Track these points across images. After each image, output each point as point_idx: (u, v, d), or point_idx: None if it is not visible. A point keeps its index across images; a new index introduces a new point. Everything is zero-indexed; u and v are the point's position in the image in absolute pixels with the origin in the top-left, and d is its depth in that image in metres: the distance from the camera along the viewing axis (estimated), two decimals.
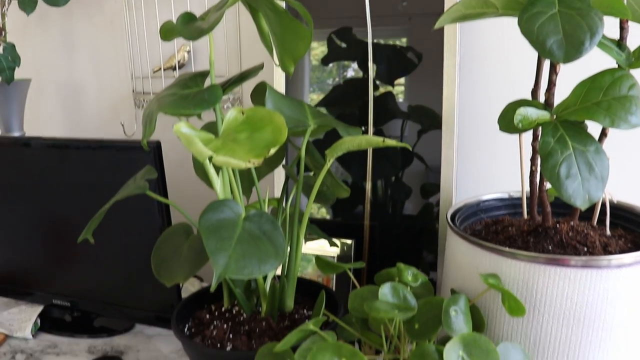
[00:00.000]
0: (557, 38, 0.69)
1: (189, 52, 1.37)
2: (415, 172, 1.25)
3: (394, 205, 1.27)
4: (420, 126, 1.25)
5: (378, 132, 1.27)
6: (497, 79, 1.20)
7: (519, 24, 0.72)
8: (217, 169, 0.90)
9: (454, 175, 1.15)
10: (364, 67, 1.24)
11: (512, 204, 1.03)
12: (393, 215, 1.26)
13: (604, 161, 0.76)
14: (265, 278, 0.90)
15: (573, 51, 0.68)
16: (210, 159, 0.71)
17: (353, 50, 1.25)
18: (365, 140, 0.83)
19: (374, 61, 1.25)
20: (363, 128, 1.26)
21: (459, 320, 0.74)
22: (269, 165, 1.03)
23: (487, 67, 1.22)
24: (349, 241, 1.16)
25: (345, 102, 1.29)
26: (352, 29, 1.26)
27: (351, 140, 0.83)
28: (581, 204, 0.73)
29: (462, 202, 0.99)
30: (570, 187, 0.73)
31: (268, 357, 0.78)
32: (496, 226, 0.94)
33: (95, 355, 1.26)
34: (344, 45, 1.27)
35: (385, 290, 0.77)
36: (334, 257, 1.20)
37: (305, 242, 1.20)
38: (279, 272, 0.94)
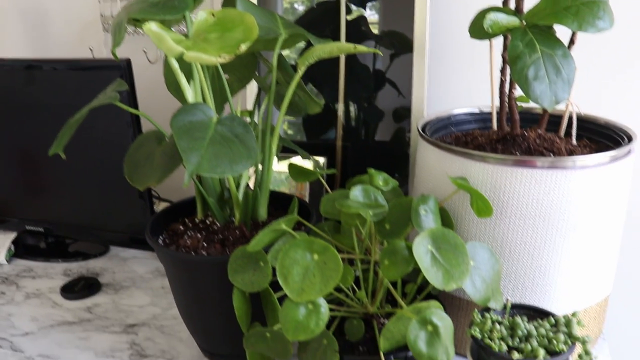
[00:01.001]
0: None
1: None
2: (388, 96, 1.25)
3: (367, 128, 1.27)
4: (392, 50, 1.24)
5: (350, 56, 1.27)
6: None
7: None
8: (189, 78, 0.90)
9: (425, 96, 1.16)
10: None
11: (483, 118, 1.04)
12: (365, 138, 1.27)
13: (571, 64, 0.77)
14: (238, 186, 0.91)
15: None
16: (181, 59, 0.71)
17: None
18: (337, 47, 0.83)
19: None
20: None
21: (428, 219, 0.76)
22: (240, 80, 1.03)
23: None
24: (321, 159, 1.17)
25: (318, 26, 1.28)
26: None
27: (322, 48, 0.83)
28: (548, 104, 0.75)
29: (434, 115, 1.00)
30: (538, 89, 0.75)
31: (241, 259, 0.79)
32: (466, 138, 0.95)
33: (71, 277, 1.27)
34: None
35: (356, 192, 0.78)
36: None
37: (279, 160, 1.21)
38: (252, 183, 0.95)
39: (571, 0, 0.77)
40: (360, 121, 1.27)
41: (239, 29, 0.73)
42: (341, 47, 0.83)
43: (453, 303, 0.90)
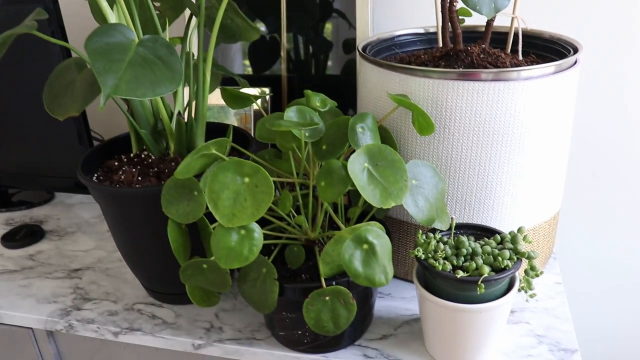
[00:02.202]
0: None
1: None
2: (339, 28, 1.20)
3: (316, 60, 1.23)
4: None
5: None
6: None
7: None
8: (112, 3, 0.84)
9: (369, 20, 1.11)
10: None
11: (429, 39, 1.00)
12: (315, 70, 1.22)
13: None
14: (171, 117, 0.86)
15: None
16: None
17: None
18: None
19: None
20: None
21: (365, 136, 0.72)
22: (173, 8, 0.97)
23: None
24: (266, 89, 1.12)
25: None
26: None
27: None
28: (487, 12, 0.71)
29: (375, 36, 0.95)
30: None
31: (174, 190, 0.75)
32: (409, 58, 0.91)
33: (13, 226, 1.22)
34: None
35: (290, 113, 0.74)
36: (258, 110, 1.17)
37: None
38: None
39: None
40: (308, 53, 1.23)
41: None
42: None
43: (401, 228, 0.87)
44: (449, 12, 0.84)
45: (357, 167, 0.66)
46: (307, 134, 0.73)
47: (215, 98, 1.15)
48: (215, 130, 0.96)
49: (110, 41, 0.71)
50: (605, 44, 1.14)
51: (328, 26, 1.21)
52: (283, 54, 1.19)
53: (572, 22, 1.13)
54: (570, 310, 1.14)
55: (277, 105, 1.20)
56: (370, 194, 0.65)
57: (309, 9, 1.21)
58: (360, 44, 0.91)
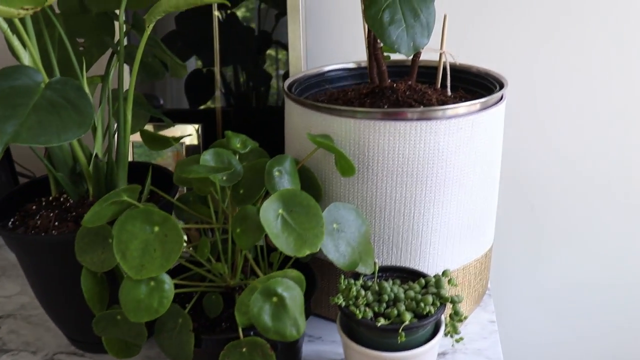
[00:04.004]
0: None
1: None
2: (280, 58, 1.19)
3: (252, 91, 1.21)
4: (276, 10, 1.18)
5: (231, 15, 1.19)
6: None
7: None
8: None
9: (302, 55, 1.10)
10: None
11: (360, 73, 0.98)
12: (254, 102, 1.20)
13: (430, 8, 0.72)
14: (90, 159, 0.83)
15: None
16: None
17: None
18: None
19: None
20: (217, 13, 1.18)
21: (283, 180, 0.70)
22: (97, 45, 0.94)
23: None
24: (195, 126, 1.10)
25: None
26: None
27: (168, 1, 0.76)
28: (406, 51, 0.70)
29: (302, 73, 0.94)
30: (394, 33, 0.70)
31: (88, 237, 0.72)
32: (339, 94, 0.90)
33: None
34: None
35: (207, 156, 0.71)
36: (191, 145, 1.14)
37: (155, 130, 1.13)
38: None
39: None
40: (246, 85, 1.21)
41: None
42: (188, 0, 0.76)
43: (330, 269, 0.85)
44: (373, 49, 0.82)
45: (271, 214, 0.64)
46: (224, 178, 0.70)
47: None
48: (140, 169, 0.93)
49: (15, 84, 0.68)
50: (534, 76, 1.15)
51: (268, 57, 1.20)
52: (217, 88, 1.17)
53: (500, 55, 1.14)
54: (505, 343, 1.13)
55: (211, 139, 1.17)
56: (284, 243, 0.63)
57: (246, 41, 1.19)
58: (287, 81, 0.89)
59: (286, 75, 1.16)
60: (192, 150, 1.13)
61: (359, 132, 0.75)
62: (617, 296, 1.27)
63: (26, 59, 0.78)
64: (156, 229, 0.64)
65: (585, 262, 1.26)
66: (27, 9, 0.59)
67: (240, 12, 1.20)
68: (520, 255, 1.27)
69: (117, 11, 0.88)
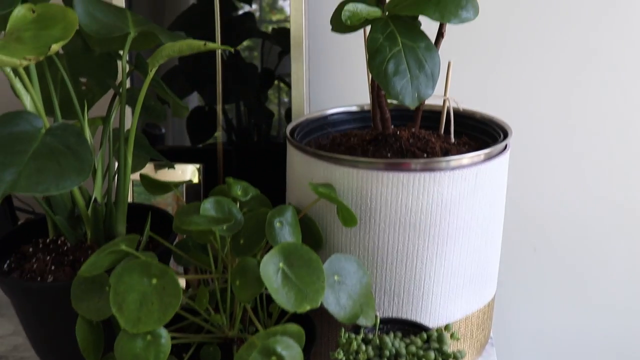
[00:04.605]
0: None
1: None
2: (282, 96, 1.18)
3: (255, 129, 1.20)
4: (280, 48, 1.18)
5: (234, 54, 1.19)
6: None
7: None
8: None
9: (305, 96, 1.09)
10: None
11: (363, 117, 0.98)
12: (255, 140, 1.20)
13: (435, 58, 0.72)
14: (89, 202, 0.82)
15: None
16: None
17: None
18: (187, 44, 0.76)
19: None
20: (220, 51, 1.18)
21: (284, 232, 0.69)
22: (100, 85, 0.94)
23: None
24: (196, 166, 1.09)
25: (199, 23, 1.20)
26: None
27: (171, 46, 0.76)
28: (410, 102, 0.69)
29: (304, 117, 0.93)
30: (399, 84, 0.69)
31: (85, 285, 0.71)
32: (341, 139, 0.89)
33: None
34: None
35: (207, 205, 0.70)
36: (192, 184, 1.13)
37: (156, 169, 1.12)
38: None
39: None
40: (249, 123, 1.20)
41: (59, 26, 0.64)
42: (191, 45, 0.75)
43: (330, 320, 0.83)
44: (377, 96, 0.82)
45: (271, 269, 0.63)
46: (224, 228, 0.69)
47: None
48: (139, 211, 0.92)
49: (15, 130, 0.68)
50: (537, 120, 1.14)
51: (271, 94, 1.20)
52: (219, 125, 1.16)
53: (503, 99, 1.14)
54: None
55: (213, 178, 1.16)
56: (284, 298, 0.62)
57: (249, 78, 1.19)
58: (289, 125, 0.88)
59: (288, 114, 1.15)
60: (192, 189, 1.12)
61: (361, 182, 0.74)
62: (622, 343, 1.25)
63: (28, 101, 0.78)
64: (154, 281, 0.63)
65: (588, 308, 1.24)
66: (29, 59, 0.58)
67: (243, 50, 1.20)
68: (523, 301, 1.26)
69: (120, 52, 0.88)
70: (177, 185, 0.82)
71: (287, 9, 1.13)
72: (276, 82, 1.19)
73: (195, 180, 1.13)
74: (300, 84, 1.10)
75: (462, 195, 0.75)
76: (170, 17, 1.20)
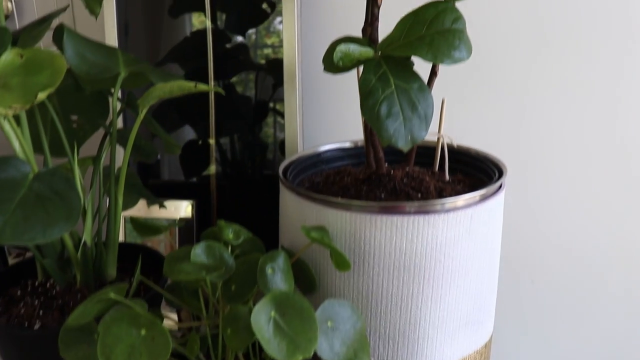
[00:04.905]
0: None
1: (10, 1, 1.23)
2: (277, 128, 1.18)
3: (249, 162, 1.20)
4: (273, 80, 1.17)
5: (228, 86, 1.19)
6: (344, 22, 1.14)
7: None
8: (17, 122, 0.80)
9: (299, 128, 1.09)
10: (214, 17, 1.15)
11: (357, 153, 0.97)
12: (249, 173, 1.19)
13: (428, 99, 0.71)
14: (79, 244, 0.81)
15: None
16: None
17: None
18: (177, 86, 0.75)
19: (224, 11, 1.16)
20: (213, 83, 1.17)
21: (276, 278, 0.68)
22: (91, 122, 0.93)
23: (332, 8, 1.15)
24: (189, 202, 1.08)
25: (192, 56, 1.20)
26: None
27: (162, 87, 0.75)
28: (403, 145, 0.68)
29: (297, 155, 0.92)
30: (391, 127, 0.68)
31: (73, 332, 0.69)
32: (334, 177, 0.88)
33: None
34: None
35: (198, 251, 0.69)
36: (186, 219, 1.12)
37: (149, 205, 1.11)
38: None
39: (425, 29, 0.71)
40: (243, 156, 1.19)
41: (47, 72, 0.64)
42: (182, 86, 0.74)
43: None
44: (370, 135, 0.81)
45: (263, 318, 0.62)
46: (211, 277, 0.68)
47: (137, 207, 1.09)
48: (130, 250, 0.90)
49: (1, 177, 0.66)
50: (532, 155, 1.14)
51: (265, 126, 1.19)
52: (212, 158, 1.15)
53: (498, 133, 1.13)
54: None
55: (207, 212, 1.15)
56: (275, 349, 0.60)
57: (243, 110, 1.19)
58: (282, 164, 0.87)
59: (283, 146, 1.14)
60: (186, 225, 1.11)
61: (354, 225, 0.73)
62: None
63: (17, 145, 0.77)
64: (143, 332, 0.62)
65: (586, 341, 1.23)
66: (15, 108, 0.57)
67: (237, 82, 1.20)
68: (520, 333, 1.24)
69: (112, 89, 0.88)
70: (166, 227, 0.80)
71: (282, 34, 1.12)
72: (271, 113, 1.19)
73: (189, 215, 1.12)
74: (294, 115, 1.10)
75: (457, 237, 0.73)
76: (166, 48, 1.19)
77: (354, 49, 0.72)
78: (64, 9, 0.83)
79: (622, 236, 1.15)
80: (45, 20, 0.81)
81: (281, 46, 1.12)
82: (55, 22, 0.82)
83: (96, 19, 0.80)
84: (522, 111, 1.12)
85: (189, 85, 0.74)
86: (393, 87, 0.70)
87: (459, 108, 1.09)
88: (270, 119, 1.19)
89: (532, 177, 1.15)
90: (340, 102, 1.18)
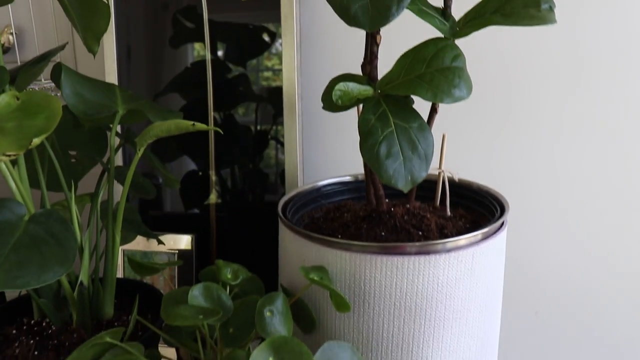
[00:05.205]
0: (362, 3, 0.62)
1: (12, 34, 1.23)
2: (279, 158, 1.17)
3: (250, 193, 1.19)
4: (274, 110, 1.17)
5: (228, 117, 1.19)
6: (343, 55, 1.14)
7: None
8: (14, 162, 0.79)
9: (299, 161, 1.08)
10: (214, 48, 1.15)
11: (357, 187, 0.96)
12: (249, 204, 1.18)
13: (428, 138, 0.70)
14: (75, 283, 0.80)
15: (379, 17, 0.62)
16: None
17: (203, 30, 1.16)
18: (175, 125, 0.74)
19: (224, 41, 1.16)
20: (213, 114, 1.17)
21: (274, 321, 0.66)
22: (90, 157, 0.92)
23: (332, 42, 1.15)
24: (186, 236, 1.07)
25: (193, 87, 1.20)
26: (197, 8, 1.17)
27: (159, 126, 0.74)
28: (403, 185, 0.67)
29: (296, 190, 0.91)
30: (391, 168, 0.67)
31: None
32: (335, 213, 0.87)
33: None
34: (191, 25, 1.17)
35: (195, 292, 0.68)
36: (186, 251, 1.11)
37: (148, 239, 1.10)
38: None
39: (425, 67, 0.71)
40: (243, 186, 1.19)
41: (43, 116, 0.63)
42: (179, 125, 0.74)
43: None
44: (370, 172, 0.80)
45: None
46: (209, 321, 0.67)
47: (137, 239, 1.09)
48: (128, 287, 0.89)
49: None
50: (534, 186, 1.13)
51: (265, 156, 1.18)
52: (212, 194, 1.14)
53: (500, 163, 1.13)
54: None
55: (207, 244, 1.14)
56: None
57: (242, 144, 1.18)
58: (281, 201, 0.86)
59: (283, 175, 1.14)
60: (185, 256, 1.10)
61: (354, 266, 0.72)
62: None
63: (13, 185, 0.76)
64: None
65: None
66: (9, 155, 0.57)
67: (237, 112, 1.19)
68: None
69: (111, 124, 0.87)
70: (163, 266, 0.79)
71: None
72: (271, 143, 1.18)
73: (189, 247, 1.11)
74: (294, 146, 1.09)
75: (458, 277, 0.72)
76: (167, 78, 1.19)
77: (353, 87, 0.72)
78: (62, 47, 0.83)
79: (623, 268, 1.14)
80: (44, 58, 0.81)
81: (281, 70, 1.11)
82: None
83: (94, 57, 0.79)
84: (524, 145, 1.12)
85: (187, 125, 0.74)
86: (392, 126, 0.69)
87: (460, 141, 1.09)
88: (270, 150, 1.18)
89: (533, 210, 1.14)
90: (341, 132, 1.18)
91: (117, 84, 1.16)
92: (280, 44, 1.10)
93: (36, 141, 0.59)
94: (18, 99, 0.66)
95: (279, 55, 1.11)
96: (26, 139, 0.59)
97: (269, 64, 1.16)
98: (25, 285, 0.61)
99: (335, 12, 0.63)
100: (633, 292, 1.15)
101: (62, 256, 0.65)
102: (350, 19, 0.62)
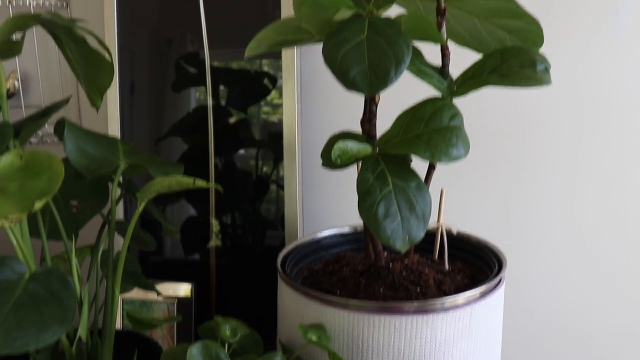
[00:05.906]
0: (361, 67, 0.63)
1: (17, 79, 1.25)
2: (279, 200, 1.18)
3: (250, 239, 1.19)
4: (274, 155, 1.18)
5: (229, 163, 1.20)
6: (343, 105, 1.15)
7: (323, 51, 0.65)
8: None
9: (299, 209, 1.09)
10: (216, 93, 1.16)
11: (357, 238, 0.97)
12: (249, 250, 1.18)
13: (426, 198, 0.71)
14: (74, 338, 0.80)
15: (378, 82, 0.63)
16: None
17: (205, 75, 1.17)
18: (176, 181, 0.75)
19: (226, 86, 1.18)
20: (214, 160, 1.18)
21: None
22: (91, 207, 0.93)
23: (331, 94, 1.17)
24: (185, 285, 1.07)
25: (194, 132, 1.21)
26: (199, 54, 1.18)
27: (160, 182, 0.75)
28: (401, 246, 0.68)
29: (294, 243, 0.92)
30: (389, 228, 0.68)
31: None
32: (333, 265, 0.87)
33: None
34: (193, 70, 1.19)
35: (194, 351, 0.68)
36: (185, 299, 1.11)
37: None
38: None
39: (423, 127, 0.71)
40: (244, 231, 1.19)
41: (45, 176, 0.64)
42: (180, 182, 0.75)
43: None
44: (369, 228, 0.81)
45: None
46: None
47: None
48: (127, 340, 0.89)
49: None
50: (533, 233, 1.14)
51: (265, 201, 1.19)
52: (212, 242, 1.15)
53: (498, 214, 1.13)
54: None
55: (206, 291, 1.14)
56: None
57: (243, 190, 1.19)
58: (280, 254, 0.87)
59: (282, 220, 1.14)
60: (184, 304, 1.10)
61: (352, 324, 0.72)
62: None
63: (14, 241, 0.77)
64: None
65: None
66: (11, 220, 0.57)
67: (238, 157, 1.20)
68: None
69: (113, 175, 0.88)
70: (161, 322, 0.80)
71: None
72: (271, 189, 1.19)
73: (188, 295, 1.12)
74: (293, 194, 1.10)
75: (456, 335, 0.72)
76: (169, 122, 1.21)
77: (352, 146, 0.72)
78: (66, 101, 0.84)
79: (626, 320, 1.14)
80: (47, 113, 0.82)
81: (281, 105, 1.12)
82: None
83: (97, 111, 0.81)
84: (523, 197, 1.12)
85: (188, 181, 0.74)
86: (391, 186, 0.70)
87: (458, 194, 1.09)
88: (271, 194, 1.19)
89: (531, 263, 1.14)
90: (341, 180, 1.18)
91: (119, 127, 1.17)
92: (281, 96, 1.11)
93: (38, 205, 0.59)
94: (21, 157, 0.67)
95: (280, 105, 1.13)
96: (28, 201, 0.60)
97: (269, 111, 1.17)
98: (24, 346, 0.61)
99: (334, 75, 0.64)
100: (637, 342, 1.15)
101: (62, 316, 0.65)
102: (349, 84, 0.63)
